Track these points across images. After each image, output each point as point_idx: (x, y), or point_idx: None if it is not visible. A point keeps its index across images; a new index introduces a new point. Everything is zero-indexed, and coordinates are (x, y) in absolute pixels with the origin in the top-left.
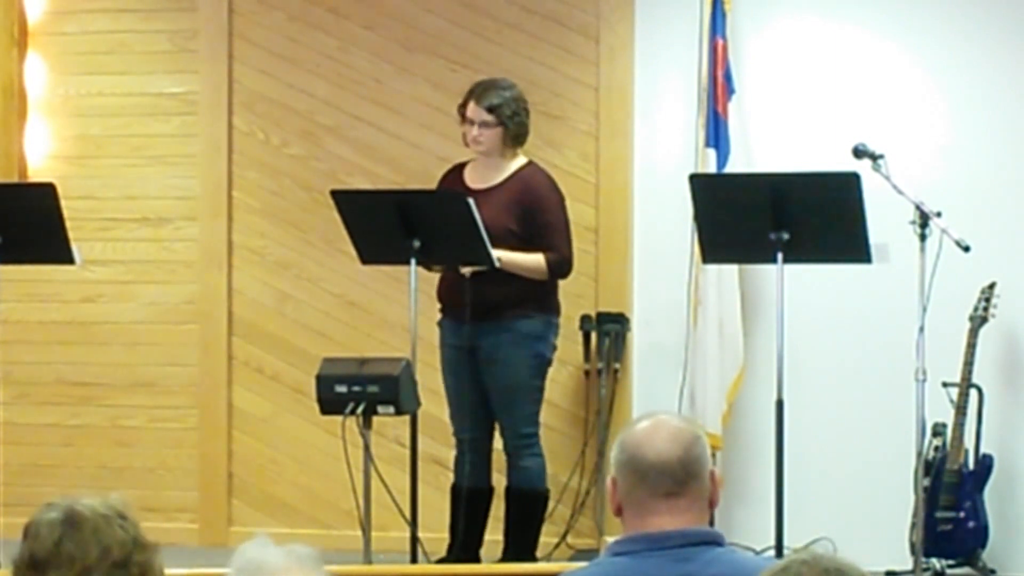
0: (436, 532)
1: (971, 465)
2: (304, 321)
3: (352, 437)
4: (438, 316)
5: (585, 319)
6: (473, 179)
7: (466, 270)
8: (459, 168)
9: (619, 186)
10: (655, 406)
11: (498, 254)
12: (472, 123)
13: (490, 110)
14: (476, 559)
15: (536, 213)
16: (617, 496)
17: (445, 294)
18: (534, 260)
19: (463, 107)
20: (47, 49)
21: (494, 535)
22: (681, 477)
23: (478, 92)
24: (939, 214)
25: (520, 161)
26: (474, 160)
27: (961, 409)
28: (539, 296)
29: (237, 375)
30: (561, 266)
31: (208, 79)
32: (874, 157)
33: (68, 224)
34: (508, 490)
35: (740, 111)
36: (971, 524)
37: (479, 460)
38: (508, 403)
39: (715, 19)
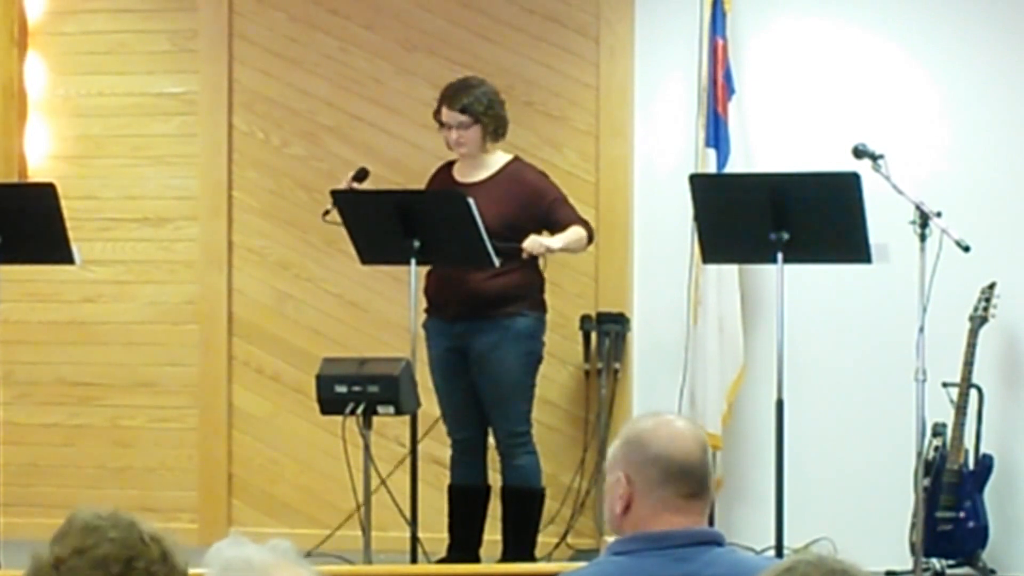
0: (436, 532)
1: (971, 465)
2: (304, 321)
3: (352, 437)
4: (423, 317)
5: (585, 319)
6: (462, 174)
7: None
8: (448, 166)
9: (619, 186)
10: (655, 406)
11: (549, 241)
12: (450, 127)
13: (463, 111)
14: (476, 559)
15: (539, 199)
16: (630, 493)
17: (435, 293)
18: (575, 232)
19: (437, 114)
20: (47, 49)
21: (494, 535)
22: (703, 479)
23: (448, 96)
24: (939, 214)
25: (506, 157)
26: (460, 160)
27: (961, 409)
28: (530, 294)
29: (237, 375)
30: (589, 227)
31: (208, 79)
32: (874, 157)
33: (68, 224)
34: (504, 489)
35: (740, 111)
36: (971, 524)
37: (475, 459)
38: (502, 402)
39: (715, 19)
